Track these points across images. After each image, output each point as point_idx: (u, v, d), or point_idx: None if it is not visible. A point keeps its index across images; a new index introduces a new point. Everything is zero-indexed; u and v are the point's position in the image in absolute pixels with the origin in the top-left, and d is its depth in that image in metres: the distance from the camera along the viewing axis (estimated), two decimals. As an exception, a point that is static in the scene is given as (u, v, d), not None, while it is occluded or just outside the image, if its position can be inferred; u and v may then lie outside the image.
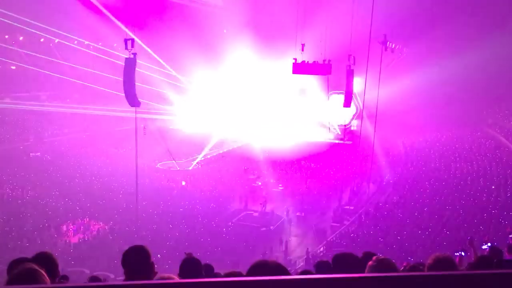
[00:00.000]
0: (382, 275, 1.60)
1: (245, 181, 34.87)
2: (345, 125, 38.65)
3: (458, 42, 40.18)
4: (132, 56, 19.51)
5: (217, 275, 5.14)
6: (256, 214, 28.78)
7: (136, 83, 20.66)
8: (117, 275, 17.95)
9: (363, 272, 3.03)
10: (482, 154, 34.58)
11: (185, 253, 5.23)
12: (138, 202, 26.17)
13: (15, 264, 3.10)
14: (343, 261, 3.66)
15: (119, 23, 33.40)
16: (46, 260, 3.15)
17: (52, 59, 40.90)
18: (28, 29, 36.38)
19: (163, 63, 42.18)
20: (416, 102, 41.34)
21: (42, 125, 41.90)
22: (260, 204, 29.61)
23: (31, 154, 36.92)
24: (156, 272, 3.23)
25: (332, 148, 40.06)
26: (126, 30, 27.05)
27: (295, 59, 26.28)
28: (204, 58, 43.34)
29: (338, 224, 27.67)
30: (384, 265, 2.94)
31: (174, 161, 37.55)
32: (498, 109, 42.85)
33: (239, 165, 38.09)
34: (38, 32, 37.92)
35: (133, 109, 21.71)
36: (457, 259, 6.06)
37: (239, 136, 44.19)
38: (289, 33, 32.24)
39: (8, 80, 43.04)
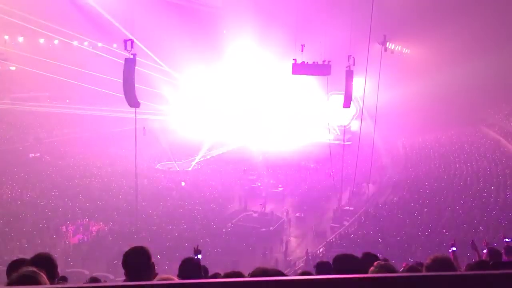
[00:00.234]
0: (380, 275, 1.61)
1: (244, 182, 34.88)
2: (344, 126, 38.62)
3: (458, 42, 40.23)
4: (131, 56, 19.53)
5: (217, 275, 5.14)
6: (255, 214, 28.76)
7: (136, 84, 20.65)
8: (116, 276, 17.94)
9: (363, 273, 3.04)
10: (482, 155, 34.63)
11: (194, 247, 5.37)
12: (137, 202, 26.17)
13: (14, 265, 3.10)
14: (344, 262, 3.66)
15: (118, 25, 33.45)
16: (45, 261, 3.14)
17: (52, 61, 40.88)
18: (29, 26, 36.29)
19: (162, 64, 42.17)
20: (416, 103, 41.40)
21: (42, 125, 41.89)
22: (260, 205, 29.61)
23: (30, 154, 36.89)
24: (157, 273, 3.23)
25: (331, 149, 40.06)
26: (125, 31, 27.08)
27: (295, 60, 26.28)
28: (203, 58, 43.41)
29: (337, 225, 27.67)
30: (386, 270, 2.95)
31: (174, 162, 37.55)
32: (498, 110, 42.91)
33: (238, 166, 38.10)
34: (39, 30, 37.88)
35: (132, 109, 21.70)
36: (451, 255, 6.05)
37: (238, 137, 44.22)
38: (289, 34, 32.29)
39: (8, 81, 43.06)
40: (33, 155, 37.00)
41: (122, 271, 3.20)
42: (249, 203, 30.83)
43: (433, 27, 40.71)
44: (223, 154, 41.96)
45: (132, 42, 19.37)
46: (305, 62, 26.61)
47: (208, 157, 40.35)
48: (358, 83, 26.91)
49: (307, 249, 24.11)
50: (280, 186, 33.92)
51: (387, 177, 35.17)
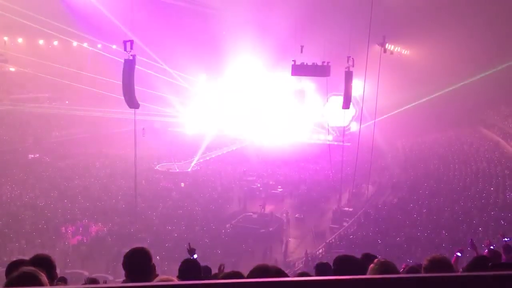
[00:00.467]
0: (379, 277, 1.61)
1: (244, 183, 34.86)
2: (344, 127, 38.58)
3: (458, 43, 40.24)
4: (131, 57, 19.47)
5: (216, 276, 5.13)
6: (255, 215, 28.73)
7: (136, 86, 20.61)
8: (115, 277, 17.93)
9: (363, 274, 3.04)
10: (481, 156, 34.66)
11: (186, 245, 5.19)
12: (137, 203, 26.14)
13: (13, 266, 3.09)
14: (344, 264, 3.65)
15: (119, 24, 33.41)
16: (44, 262, 3.13)
17: (51, 63, 40.83)
18: (28, 23, 36.17)
19: (162, 63, 42.14)
20: (415, 104, 41.40)
21: (41, 126, 41.83)
22: (259, 205, 29.60)
23: (30, 155, 36.85)
24: (157, 274, 3.22)
25: (331, 150, 40.05)
26: (126, 31, 27.06)
27: (294, 61, 26.27)
28: (203, 59, 43.38)
29: (337, 226, 27.66)
30: (385, 268, 2.94)
31: (173, 163, 37.52)
32: (497, 111, 42.96)
33: (238, 167, 38.08)
34: (40, 28, 37.78)
35: (132, 110, 21.65)
36: (453, 259, 6.03)
37: (238, 137, 44.19)
38: (289, 35, 32.28)
39: (7, 82, 43.02)
40: (32, 156, 36.96)
41: (121, 272, 3.19)
42: (249, 204, 30.83)
43: (433, 28, 40.73)
44: (223, 155, 41.95)
45: (132, 43, 19.28)
46: (305, 63, 26.62)
47: (208, 158, 40.34)
48: (358, 84, 26.92)
49: (307, 250, 24.09)
50: (280, 187, 33.91)
51: (387, 178, 35.19)
